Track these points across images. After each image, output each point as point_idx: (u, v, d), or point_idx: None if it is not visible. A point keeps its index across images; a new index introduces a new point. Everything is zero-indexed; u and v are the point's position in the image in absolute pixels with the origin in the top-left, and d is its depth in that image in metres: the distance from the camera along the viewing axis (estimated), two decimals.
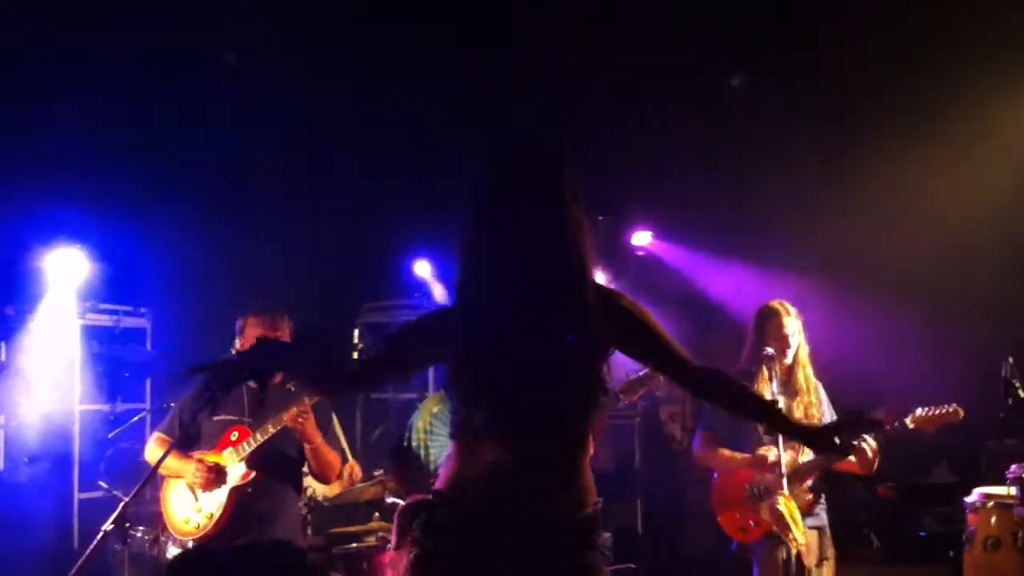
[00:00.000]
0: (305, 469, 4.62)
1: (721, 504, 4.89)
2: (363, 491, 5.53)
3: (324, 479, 4.64)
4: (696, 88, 7.10)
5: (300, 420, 4.28)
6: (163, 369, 7.69)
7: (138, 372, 7.76)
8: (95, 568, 3.12)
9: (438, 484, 2.76)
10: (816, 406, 4.83)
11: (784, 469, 4.41)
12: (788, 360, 4.72)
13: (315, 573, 5.00)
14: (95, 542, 3.03)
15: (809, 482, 4.73)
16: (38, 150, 6.43)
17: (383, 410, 8.46)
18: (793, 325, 4.83)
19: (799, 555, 4.31)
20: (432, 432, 4.24)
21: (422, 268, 8.41)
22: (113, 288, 7.50)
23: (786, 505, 4.37)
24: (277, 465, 4.46)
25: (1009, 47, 6.39)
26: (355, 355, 8.23)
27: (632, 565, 6.42)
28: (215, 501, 4.38)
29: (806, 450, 4.73)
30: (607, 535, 3.51)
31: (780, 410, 3.26)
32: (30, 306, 6.92)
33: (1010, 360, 5.06)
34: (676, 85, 6.93)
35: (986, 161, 6.77)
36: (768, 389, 4.62)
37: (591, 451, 2.78)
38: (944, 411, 4.66)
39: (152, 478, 4.23)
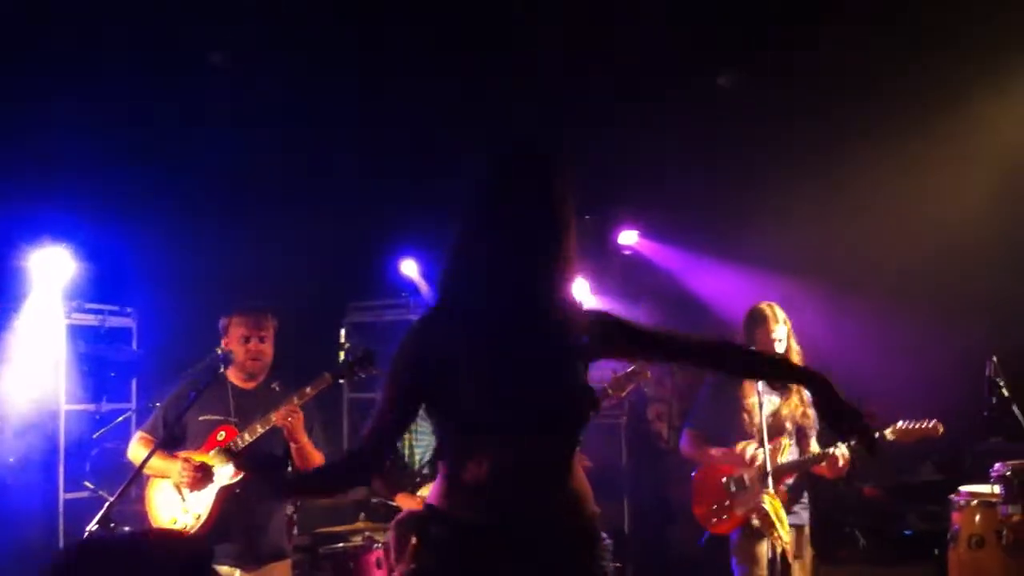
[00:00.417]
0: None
1: (698, 496, 4.97)
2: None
3: None
4: (694, 88, 7.11)
5: (289, 420, 4.28)
6: (149, 369, 7.66)
7: (124, 372, 7.74)
8: None
9: (432, 498, 2.72)
10: (807, 405, 4.86)
11: (769, 467, 4.45)
12: None
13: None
14: None
15: (788, 482, 4.77)
16: (24, 149, 6.40)
17: (370, 409, 8.44)
18: (781, 331, 4.87)
19: (784, 553, 4.34)
20: (417, 432, 4.25)
21: (409, 268, 8.40)
22: (99, 287, 7.47)
23: (771, 504, 4.41)
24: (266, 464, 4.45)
25: (1009, 47, 6.41)
26: (341, 355, 8.25)
27: (619, 564, 6.44)
28: (203, 501, 4.36)
29: (786, 451, 4.78)
30: (607, 540, 3.49)
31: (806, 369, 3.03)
32: (15, 305, 6.89)
33: (994, 359, 5.09)
34: (675, 85, 6.94)
35: (984, 161, 6.80)
36: (754, 391, 4.65)
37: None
38: (924, 426, 4.73)
39: (137, 478, 4.23)
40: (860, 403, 2.78)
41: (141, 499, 4.64)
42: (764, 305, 4.92)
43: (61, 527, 6.92)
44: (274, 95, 6.96)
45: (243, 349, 4.52)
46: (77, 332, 7.40)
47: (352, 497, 5.62)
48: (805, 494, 4.90)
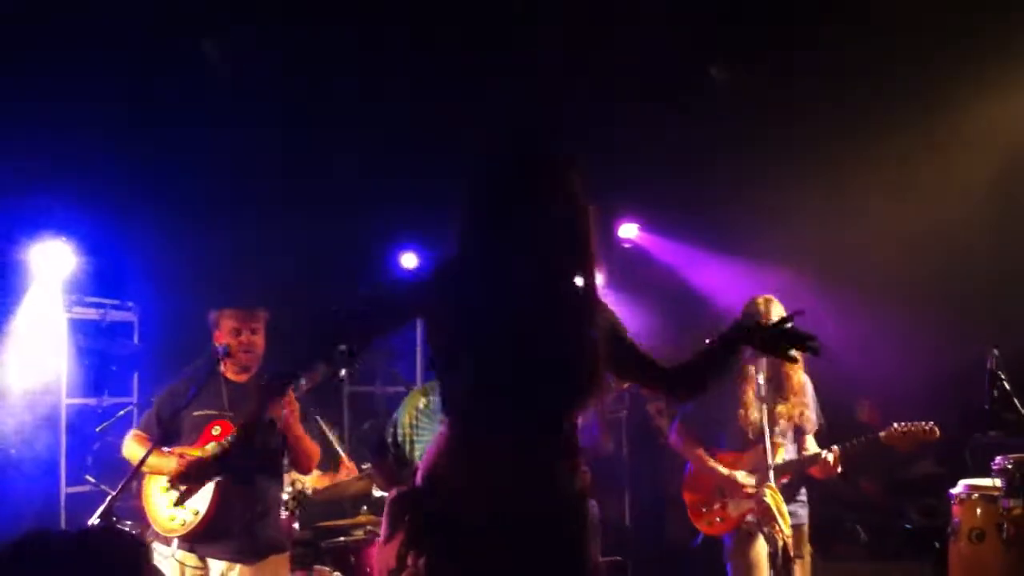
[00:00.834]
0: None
1: (691, 494, 4.97)
2: (351, 485, 5.54)
3: (304, 469, 4.67)
4: (694, 87, 7.11)
5: (286, 411, 4.29)
6: (150, 363, 7.65)
7: (125, 366, 7.73)
8: None
9: (423, 474, 2.73)
10: (806, 406, 4.86)
11: (770, 460, 4.45)
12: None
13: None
14: None
15: (784, 482, 4.77)
16: (24, 142, 6.39)
17: (370, 403, 8.46)
18: None
19: (785, 547, 4.34)
20: (418, 427, 4.23)
21: (409, 261, 8.40)
22: (100, 281, 7.46)
23: (772, 497, 4.42)
24: (261, 457, 4.46)
25: (1008, 47, 6.40)
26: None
27: (620, 558, 6.44)
28: (201, 497, 4.36)
29: (782, 451, 4.78)
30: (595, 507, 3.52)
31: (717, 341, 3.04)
32: (15, 299, 6.89)
33: (995, 352, 5.08)
34: (674, 84, 6.94)
35: (983, 160, 6.79)
36: (753, 385, 4.65)
37: (603, 439, 2.82)
38: (920, 428, 4.71)
39: (137, 474, 4.24)
40: (859, 399, 2.79)
41: (140, 494, 4.64)
42: (761, 298, 4.91)
43: (63, 521, 6.92)
44: (269, 93, 6.96)
45: (235, 342, 4.52)
46: (78, 326, 7.38)
47: (354, 491, 5.62)
48: (804, 493, 4.89)
